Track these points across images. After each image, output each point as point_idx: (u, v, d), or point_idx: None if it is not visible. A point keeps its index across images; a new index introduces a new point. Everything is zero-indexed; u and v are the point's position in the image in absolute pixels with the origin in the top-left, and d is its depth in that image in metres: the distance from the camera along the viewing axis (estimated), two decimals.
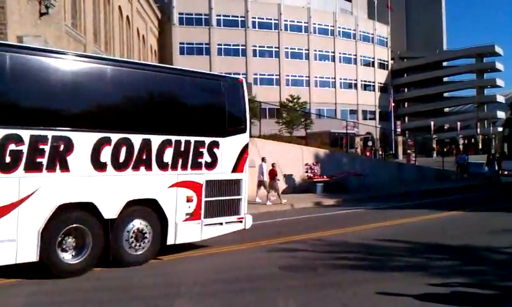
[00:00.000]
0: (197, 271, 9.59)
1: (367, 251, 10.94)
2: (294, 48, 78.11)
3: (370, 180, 29.09)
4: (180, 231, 10.23)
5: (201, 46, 73.15)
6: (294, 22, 78.29)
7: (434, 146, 75.32)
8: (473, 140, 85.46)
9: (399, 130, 73.51)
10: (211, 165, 10.77)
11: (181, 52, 72.07)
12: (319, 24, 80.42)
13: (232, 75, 15.48)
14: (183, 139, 10.29)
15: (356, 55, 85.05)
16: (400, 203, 21.82)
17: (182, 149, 10.29)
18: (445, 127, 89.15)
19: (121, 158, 9.36)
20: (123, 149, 9.37)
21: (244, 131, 11.49)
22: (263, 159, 23.17)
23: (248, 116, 11.78)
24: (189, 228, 10.37)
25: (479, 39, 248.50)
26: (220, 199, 10.88)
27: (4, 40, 19.79)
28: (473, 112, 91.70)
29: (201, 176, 10.58)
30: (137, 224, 9.68)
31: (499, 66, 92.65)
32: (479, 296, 7.54)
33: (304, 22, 79.05)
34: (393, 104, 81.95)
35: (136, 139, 9.56)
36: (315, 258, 10.19)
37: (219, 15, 73.76)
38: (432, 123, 78.45)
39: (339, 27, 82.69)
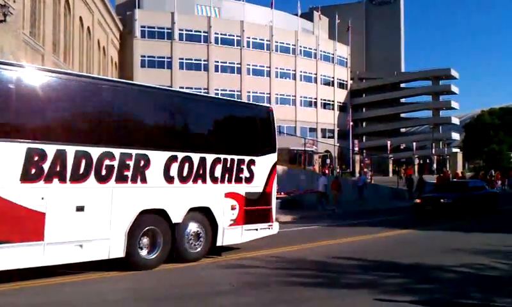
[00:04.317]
0: (147, 288, 9.43)
1: (320, 268, 11.09)
2: (256, 65, 78.74)
3: (316, 198, 29.35)
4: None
5: (162, 59, 72.91)
6: (256, 39, 79.00)
7: (391, 165, 76.76)
8: (428, 160, 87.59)
9: (356, 148, 74.82)
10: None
11: (142, 65, 71.64)
12: (280, 42, 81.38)
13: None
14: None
15: (316, 74, 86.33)
16: (356, 221, 22.15)
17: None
18: (401, 147, 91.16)
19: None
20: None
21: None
22: (323, 173, 29.55)
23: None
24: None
25: (436, 63, 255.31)
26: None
27: None
28: (428, 133, 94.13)
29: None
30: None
31: (454, 89, 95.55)
32: None
33: (267, 40, 79.86)
34: (351, 123, 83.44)
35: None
36: (269, 275, 10.26)
37: (182, 30, 73.78)
38: (388, 142, 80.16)
39: (300, 46, 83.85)
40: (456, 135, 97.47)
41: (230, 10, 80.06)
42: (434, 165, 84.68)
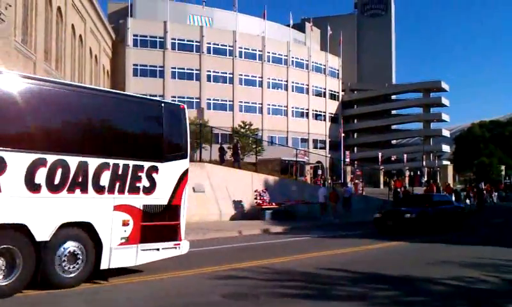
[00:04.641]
0: (134, 298, 9.32)
1: (310, 280, 11.03)
2: (248, 76, 78.96)
3: (318, 209, 29.37)
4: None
5: (155, 68, 72.93)
6: (248, 49, 79.26)
7: (382, 177, 76.92)
8: (419, 172, 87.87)
9: (347, 160, 74.90)
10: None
11: (134, 73, 71.61)
12: (272, 53, 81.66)
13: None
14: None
15: (308, 85, 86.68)
16: (346, 232, 22.17)
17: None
18: (392, 158, 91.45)
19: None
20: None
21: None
22: (323, 184, 32.00)
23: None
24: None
25: (427, 75, 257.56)
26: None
27: None
28: (419, 145, 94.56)
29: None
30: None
31: (445, 101, 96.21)
32: None
33: (259, 50, 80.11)
34: (342, 134, 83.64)
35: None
36: (258, 286, 10.17)
37: (174, 39, 73.90)
38: (380, 154, 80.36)
39: (292, 57, 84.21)
40: (446, 148, 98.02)
41: (222, 20, 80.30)
42: (425, 178, 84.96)
